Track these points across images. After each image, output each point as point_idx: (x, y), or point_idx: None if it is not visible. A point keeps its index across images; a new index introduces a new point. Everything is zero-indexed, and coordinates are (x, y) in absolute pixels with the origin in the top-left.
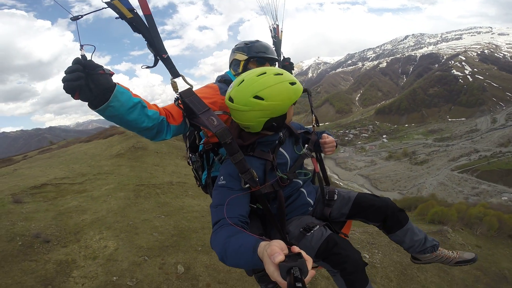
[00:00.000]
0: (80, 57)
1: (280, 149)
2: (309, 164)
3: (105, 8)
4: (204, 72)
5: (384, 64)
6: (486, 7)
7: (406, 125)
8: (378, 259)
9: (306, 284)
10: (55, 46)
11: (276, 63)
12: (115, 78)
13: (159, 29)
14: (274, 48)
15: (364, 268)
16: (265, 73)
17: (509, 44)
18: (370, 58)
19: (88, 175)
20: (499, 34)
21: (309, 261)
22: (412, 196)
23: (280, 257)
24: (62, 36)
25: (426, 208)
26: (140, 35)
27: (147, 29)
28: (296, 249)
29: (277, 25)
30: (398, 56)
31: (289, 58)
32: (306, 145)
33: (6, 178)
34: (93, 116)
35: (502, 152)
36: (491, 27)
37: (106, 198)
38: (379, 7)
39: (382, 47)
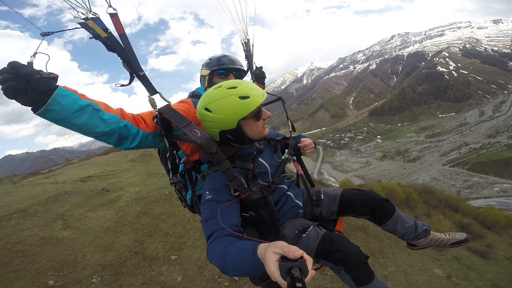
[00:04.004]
0: (17, 61)
1: (260, 159)
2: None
3: (79, 28)
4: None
5: (374, 66)
6: (464, 1)
7: (399, 124)
8: None
9: (306, 284)
10: (53, 66)
11: (249, 73)
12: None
13: (154, 45)
14: (246, 61)
15: (366, 261)
16: (221, 86)
17: (488, 37)
18: (361, 61)
19: (116, 171)
20: (478, 28)
21: (309, 261)
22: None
23: (300, 252)
24: (59, 55)
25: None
26: (112, 53)
27: (122, 48)
28: (297, 248)
29: (248, 40)
30: (386, 56)
31: (261, 67)
32: (286, 150)
33: (61, 176)
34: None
35: (491, 143)
36: (470, 22)
37: (131, 178)
38: (363, 9)
39: (371, 49)
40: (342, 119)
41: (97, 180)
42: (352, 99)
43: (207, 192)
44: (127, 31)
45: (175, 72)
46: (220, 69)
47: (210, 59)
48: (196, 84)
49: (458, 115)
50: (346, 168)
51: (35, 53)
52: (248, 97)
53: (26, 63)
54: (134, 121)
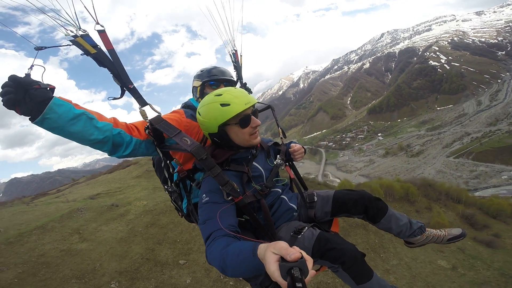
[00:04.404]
0: (16, 75)
1: (254, 163)
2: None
3: (70, 45)
4: None
5: (368, 65)
6: None
7: (399, 120)
8: None
9: (307, 284)
10: (52, 82)
11: (238, 84)
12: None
13: (149, 59)
14: (235, 72)
15: (363, 258)
16: (212, 93)
17: (474, 29)
18: (354, 61)
19: (122, 187)
20: (463, 21)
21: (309, 261)
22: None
23: (298, 255)
24: (56, 74)
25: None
26: (106, 69)
27: (111, 63)
28: (297, 249)
29: (236, 50)
30: (378, 55)
31: (245, 83)
32: (278, 156)
33: (70, 195)
34: (99, 155)
35: (492, 131)
36: (454, 15)
37: (137, 193)
38: (351, 10)
39: (363, 48)
40: (342, 119)
41: (106, 197)
42: (349, 99)
43: (204, 195)
44: (121, 46)
45: (173, 85)
46: (211, 80)
47: (201, 71)
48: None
49: (456, 106)
50: (350, 168)
51: (32, 65)
52: (228, 105)
53: (24, 75)
54: (127, 129)
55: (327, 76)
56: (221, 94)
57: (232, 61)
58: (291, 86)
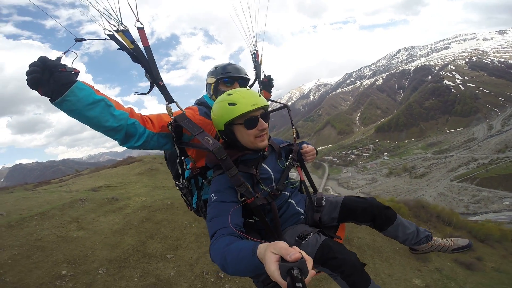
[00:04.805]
0: (44, 56)
1: (263, 164)
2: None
3: (108, 39)
4: None
5: (381, 81)
6: (468, 12)
7: (406, 140)
8: None
9: (306, 284)
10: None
11: (256, 81)
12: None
13: (165, 60)
14: (254, 71)
15: (362, 268)
16: (224, 92)
17: (494, 48)
18: (367, 76)
19: (124, 183)
20: (483, 40)
21: (309, 261)
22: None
23: (298, 255)
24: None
25: None
26: (139, 65)
27: (146, 59)
28: (297, 249)
29: (257, 51)
30: (393, 71)
31: (269, 76)
32: (290, 156)
33: (73, 185)
34: (104, 148)
35: (500, 158)
36: (475, 33)
37: (138, 189)
38: (369, 24)
39: (378, 64)
40: (349, 135)
41: (107, 190)
42: (358, 115)
43: (212, 194)
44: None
45: (185, 87)
46: (225, 77)
47: (216, 67)
48: None
49: (466, 130)
50: (352, 184)
51: (67, 51)
52: (235, 104)
53: (55, 58)
54: (142, 121)
55: (338, 90)
56: (231, 94)
57: (253, 60)
58: (301, 98)
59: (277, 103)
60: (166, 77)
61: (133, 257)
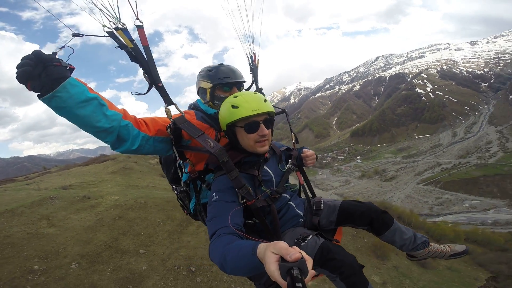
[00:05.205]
0: (39, 50)
1: (265, 167)
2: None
3: (107, 36)
4: (190, 99)
5: (358, 87)
6: (445, 23)
7: (378, 145)
8: None
9: (306, 284)
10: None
11: (253, 85)
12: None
13: None
14: (251, 74)
15: (361, 270)
16: (232, 95)
17: (464, 58)
18: (346, 82)
19: (96, 181)
20: (455, 50)
21: (309, 261)
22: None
23: (298, 255)
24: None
25: None
26: (137, 64)
27: (145, 59)
28: (296, 249)
29: (254, 53)
30: (370, 78)
31: (261, 88)
32: (290, 160)
33: (42, 183)
34: (75, 145)
35: (461, 163)
36: (448, 43)
37: (111, 188)
38: (352, 31)
39: (356, 70)
40: (326, 139)
41: (78, 189)
42: (335, 119)
43: (214, 193)
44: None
45: (165, 84)
46: (224, 85)
47: (209, 70)
48: (184, 98)
49: (433, 136)
50: (327, 186)
51: (63, 46)
52: (237, 107)
53: (51, 52)
54: (136, 123)
55: (318, 94)
56: (237, 97)
57: (249, 63)
58: (282, 100)
59: (276, 108)
60: None
61: (105, 252)
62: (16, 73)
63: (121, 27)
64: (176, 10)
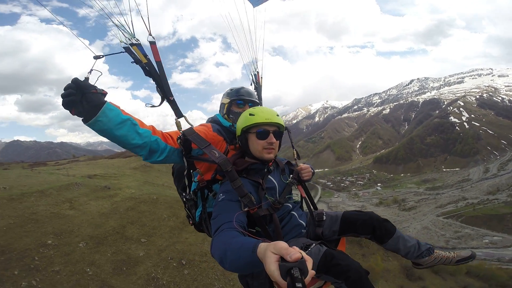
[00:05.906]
0: (78, 78)
1: (269, 176)
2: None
3: (124, 52)
4: (216, 107)
5: (388, 110)
6: (489, 47)
7: (402, 174)
8: None
9: (306, 284)
10: (87, 66)
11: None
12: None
13: (180, 60)
14: (255, 93)
15: (367, 275)
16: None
17: (508, 86)
18: (376, 104)
19: (118, 174)
20: (499, 76)
21: (309, 261)
22: None
23: (298, 255)
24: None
25: None
26: (151, 79)
27: (157, 74)
28: (297, 250)
29: (258, 72)
30: (401, 102)
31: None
32: (291, 175)
33: (71, 170)
34: (104, 138)
35: (489, 199)
36: (491, 69)
37: (130, 182)
38: (387, 51)
39: (388, 92)
40: (347, 162)
41: (101, 179)
42: (360, 143)
43: (221, 194)
44: (162, 43)
45: (194, 90)
46: (238, 100)
47: (231, 90)
48: (211, 105)
49: (462, 170)
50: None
51: (91, 70)
52: (253, 115)
53: (84, 78)
54: (163, 138)
55: (344, 115)
56: (256, 108)
57: (253, 81)
58: (307, 118)
59: None
60: (179, 78)
61: (112, 236)
62: (62, 101)
63: (136, 42)
64: (212, 18)
